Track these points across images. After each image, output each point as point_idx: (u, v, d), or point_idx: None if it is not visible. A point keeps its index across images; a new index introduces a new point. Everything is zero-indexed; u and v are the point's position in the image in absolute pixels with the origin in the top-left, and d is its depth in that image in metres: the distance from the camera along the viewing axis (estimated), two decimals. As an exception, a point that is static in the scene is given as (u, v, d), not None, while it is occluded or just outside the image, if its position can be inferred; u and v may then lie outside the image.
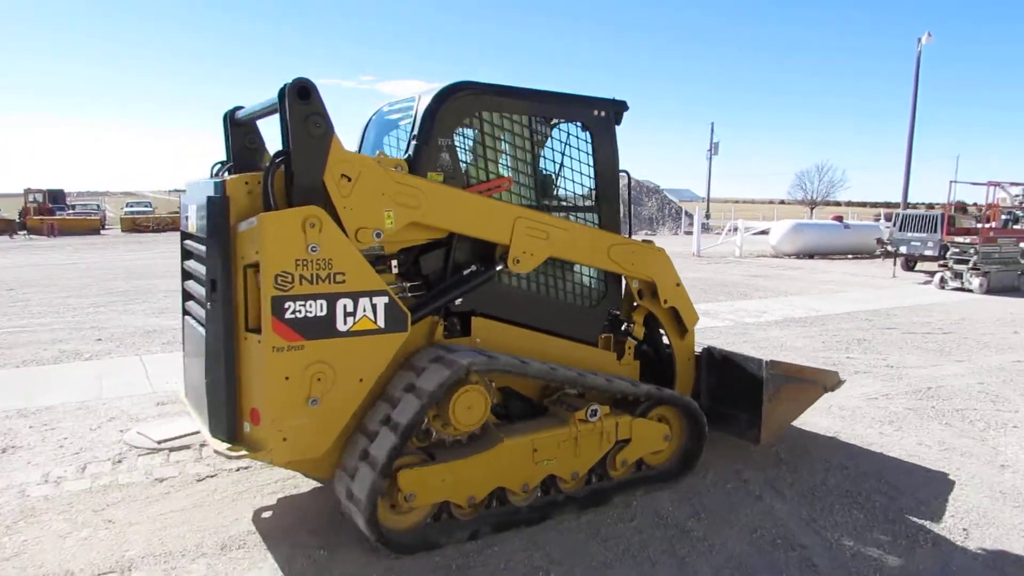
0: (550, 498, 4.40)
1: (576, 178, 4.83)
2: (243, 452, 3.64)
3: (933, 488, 4.99)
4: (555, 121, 4.78)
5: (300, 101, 3.51)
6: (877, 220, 37.51)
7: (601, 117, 4.79)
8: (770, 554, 4.00)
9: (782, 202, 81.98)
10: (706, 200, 54.61)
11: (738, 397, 5.15)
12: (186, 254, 4.44)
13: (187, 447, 5.35)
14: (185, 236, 4.42)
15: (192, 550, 3.89)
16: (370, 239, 3.82)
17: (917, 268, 20.06)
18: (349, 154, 3.77)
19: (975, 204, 19.59)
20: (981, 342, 10.35)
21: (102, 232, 34.93)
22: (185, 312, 4.52)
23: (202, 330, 3.91)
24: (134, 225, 35.37)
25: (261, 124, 4.61)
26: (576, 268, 4.92)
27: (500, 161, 4.56)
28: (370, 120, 5.06)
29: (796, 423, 6.05)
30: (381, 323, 3.78)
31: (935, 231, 18.24)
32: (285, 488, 4.69)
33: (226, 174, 4.44)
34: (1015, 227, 17.70)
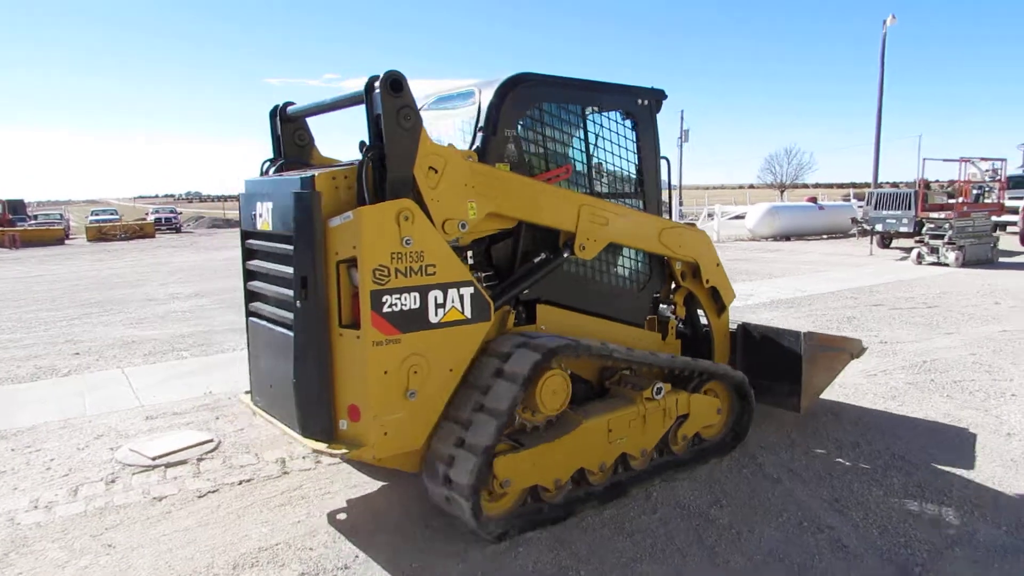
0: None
1: (623, 165, 4.96)
2: (343, 450, 3.63)
3: (945, 460, 4.97)
4: (591, 109, 4.75)
5: (392, 93, 3.50)
6: (846, 200, 37.98)
7: (644, 106, 4.95)
8: (799, 538, 3.92)
9: (751, 186, 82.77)
10: (678, 187, 54.83)
11: (776, 368, 5.35)
12: (250, 254, 4.34)
13: (183, 462, 5.11)
14: (249, 236, 4.31)
15: (203, 572, 3.69)
16: (456, 230, 3.86)
17: (892, 245, 20.31)
18: (436, 146, 3.81)
19: (937, 181, 19.89)
20: (966, 314, 10.46)
21: (67, 242, 33.94)
22: (250, 313, 4.38)
23: (282, 330, 3.90)
24: (100, 234, 34.42)
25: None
26: (625, 253, 5.03)
27: (557, 150, 4.64)
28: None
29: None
30: (468, 313, 3.84)
31: (909, 208, 18.45)
32: (292, 500, 4.50)
33: (272, 170, 4.50)
34: (985, 201, 17.96)
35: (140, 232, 35.95)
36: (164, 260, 22.57)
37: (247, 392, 4.65)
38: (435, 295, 3.69)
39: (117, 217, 41.38)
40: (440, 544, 3.89)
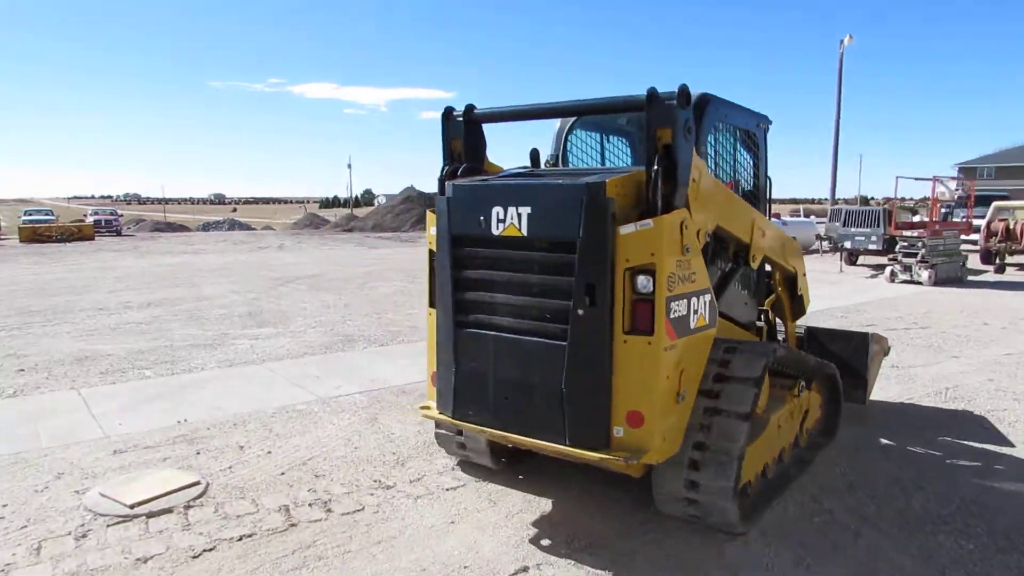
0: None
1: (749, 181, 5.30)
2: (626, 456, 3.58)
3: (1020, 503, 4.58)
4: (738, 129, 5.05)
5: (684, 106, 3.60)
6: (795, 216, 38.61)
7: (761, 128, 5.29)
8: (909, 607, 3.43)
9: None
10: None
11: (842, 366, 5.80)
12: (463, 260, 4.04)
13: (168, 511, 4.34)
14: (474, 242, 3.99)
15: (215, 665, 2.98)
16: (704, 238, 3.98)
17: (859, 262, 20.45)
18: (697, 158, 3.88)
19: (874, 198, 20.22)
20: (962, 335, 10.33)
21: (-3, 244, 31.90)
22: (466, 324, 4.07)
23: (538, 339, 3.79)
24: (35, 235, 32.34)
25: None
26: None
27: (724, 166, 4.94)
28: (570, 126, 5.22)
29: (844, 431, 5.67)
30: (708, 319, 3.99)
31: (878, 226, 18.59)
32: (307, 562, 3.79)
33: (442, 177, 4.38)
34: (954, 220, 18.21)
35: (78, 234, 33.93)
36: (108, 265, 21.16)
37: (424, 407, 4.38)
38: (693, 301, 3.83)
39: (53, 218, 39.03)
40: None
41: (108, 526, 4.17)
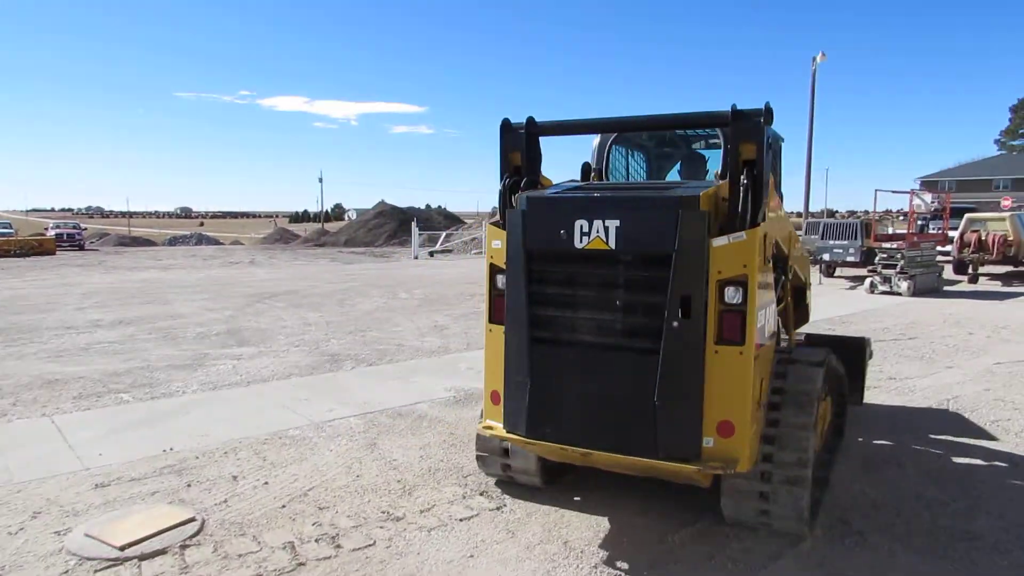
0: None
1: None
2: (721, 468, 3.60)
3: (1048, 522, 4.49)
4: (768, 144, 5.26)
5: (768, 123, 3.65)
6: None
7: (779, 143, 5.28)
8: (962, 639, 3.27)
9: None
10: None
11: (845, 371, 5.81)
12: (546, 275, 3.90)
13: (163, 551, 4.01)
14: (552, 257, 3.87)
15: None
16: (772, 250, 4.04)
17: (836, 274, 20.63)
18: (769, 173, 3.92)
19: (839, 212, 20.54)
20: (950, 346, 10.36)
21: (-48, 260, 30.69)
22: (540, 340, 3.94)
23: (621, 353, 3.76)
24: (-8, 249, 31.31)
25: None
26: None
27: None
28: (610, 140, 5.30)
29: (855, 447, 5.61)
30: (774, 328, 4.15)
31: (856, 238, 18.78)
32: (320, 603, 3.51)
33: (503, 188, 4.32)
34: (930, 232, 18.49)
35: (39, 248, 32.86)
36: (73, 281, 20.44)
37: (487, 427, 4.24)
38: (766, 312, 3.93)
39: (11, 231, 37.78)
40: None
41: (96, 572, 3.82)
